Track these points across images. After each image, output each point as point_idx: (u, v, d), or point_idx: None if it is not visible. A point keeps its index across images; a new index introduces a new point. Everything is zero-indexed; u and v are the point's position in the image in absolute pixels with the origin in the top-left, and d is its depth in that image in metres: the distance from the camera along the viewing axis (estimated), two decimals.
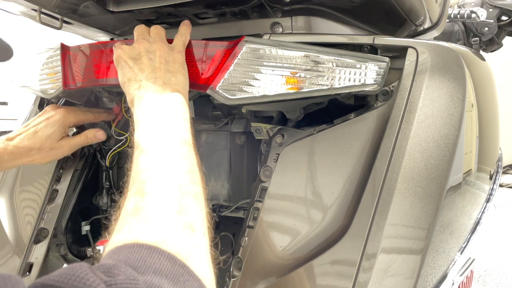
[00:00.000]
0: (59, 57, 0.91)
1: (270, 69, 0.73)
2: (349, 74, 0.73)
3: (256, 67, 0.73)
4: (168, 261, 0.39)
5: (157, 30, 0.77)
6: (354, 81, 0.73)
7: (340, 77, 0.73)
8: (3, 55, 0.66)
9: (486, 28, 1.90)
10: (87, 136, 0.94)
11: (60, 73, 0.90)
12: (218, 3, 0.81)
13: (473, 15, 1.80)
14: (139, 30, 0.77)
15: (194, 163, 0.57)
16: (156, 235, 0.43)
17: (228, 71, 0.73)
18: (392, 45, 0.76)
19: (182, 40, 0.77)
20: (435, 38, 1.24)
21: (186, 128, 0.63)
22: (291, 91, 0.73)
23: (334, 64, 0.73)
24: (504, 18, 1.92)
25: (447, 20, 1.87)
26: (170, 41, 0.78)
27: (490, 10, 1.89)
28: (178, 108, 0.65)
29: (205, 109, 0.99)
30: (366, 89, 0.73)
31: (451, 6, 2.02)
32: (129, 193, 0.50)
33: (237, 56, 0.73)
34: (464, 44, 1.95)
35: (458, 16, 1.81)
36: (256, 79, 0.73)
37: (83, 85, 0.88)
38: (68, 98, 1.02)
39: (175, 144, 0.58)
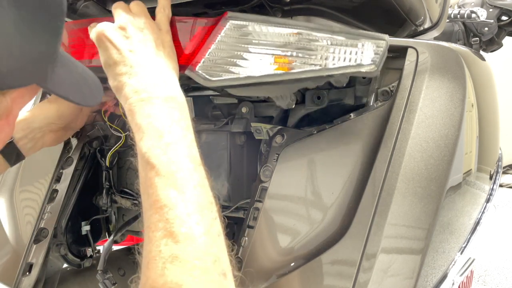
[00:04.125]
0: None
1: (256, 48, 0.67)
2: (344, 53, 0.68)
3: (241, 45, 0.67)
4: None
5: (140, 7, 0.68)
6: (350, 60, 0.68)
7: (334, 57, 0.68)
8: (91, 97, 0.57)
9: (486, 28, 1.91)
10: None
11: None
12: (218, 3, 0.81)
13: (473, 15, 1.80)
14: (121, 6, 0.68)
15: (209, 191, 0.56)
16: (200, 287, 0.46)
17: (209, 50, 0.66)
18: (392, 45, 0.76)
19: (166, 15, 0.69)
20: (435, 38, 1.24)
21: (194, 140, 0.59)
22: (280, 71, 0.67)
23: (328, 42, 0.68)
24: (504, 18, 1.92)
25: (447, 20, 1.87)
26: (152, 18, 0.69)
27: (490, 10, 1.90)
28: (182, 113, 0.60)
29: (205, 109, 0.99)
30: (363, 70, 0.68)
31: (451, 6, 2.02)
32: (158, 234, 0.50)
33: (219, 33, 0.66)
34: (464, 44, 1.95)
35: (458, 16, 1.81)
36: (242, 59, 0.67)
37: None
38: None
39: (190, 168, 0.55)
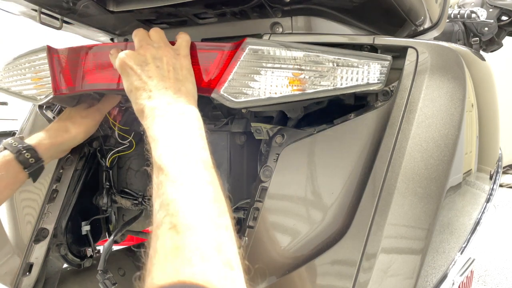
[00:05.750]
0: (44, 60, 0.87)
1: (273, 71, 0.72)
2: (352, 73, 0.72)
3: (258, 68, 0.72)
4: None
5: (159, 34, 0.75)
6: (357, 80, 0.73)
7: (343, 77, 0.72)
8: None
9: (486, 28, 1.90)
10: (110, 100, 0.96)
11: (47, 78, 0.87)
12: (218, 3, 0.81)
13: (473, 15, 1.80)
14: (140, 34, 0.74)
15: (219, 189, 0.57)
16: (202, 275, 0.44)
17: (231, 74, 0.72)
18: (392, 45, 0.76)
19: (186, 41, 0.75)
20: (435, 38, 1.24)
21: (205, 147, 0.62)
22: (296, 92, 0.72)
23: (337, 64, 0.72)
24: (504, 18, 1.92)
25: (447, 20, 1.87)
26: (171, 43, 0.76)
27: (490, 10, 1.89)
28: (194, 124, 0.64)
29: (205, 109, 0.99)
30: (371, 88, 0.73)
31: (451, 6, 2.02)
32: (163, 228, 0.50)
33: (240, 58, 0.72)
34: (464, 44, 1.95)
35: (458, 16, 1.81)
36: (260, 81, 0.72)
37: (76, 90, 0.85)
38: (58, 103, 0.99)
39: (199, 168, 0.57)
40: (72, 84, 0.85)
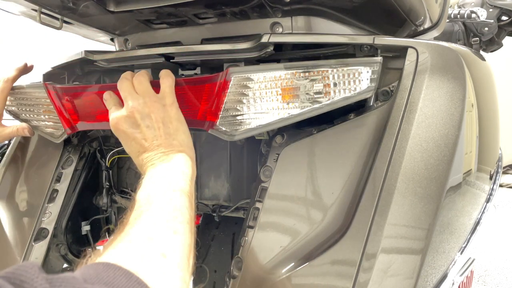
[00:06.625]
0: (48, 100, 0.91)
1: (262, 96, 0.73)
2: (343, 85, 0.72)
3: (246, 97, 0.73)
4: (124, 276, 0.42)
5: (143, 85, 0.74)
6: (349, 91, 0.72)
7: (335, 91, 0.72)
8: None
9: (486, 28, 1.90)
10: (17, 129, 1.01)
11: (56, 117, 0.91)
12: (218, 3, 0.81)
13: (473, 15, 1.80)
14: (124, 88, 0.74)
15: (183, 205, 0.61)
16: (117, 256, 0.47)
17: (223, 106, 0.73)
18: (392, 45, 0.76)
19: (168, 86, 0.74)
20: (435, 38, 1.24)
21: (184, 179, 0.66)
22: (286, 115, 0.73)
23: (327, 78, 0.72)
24: (504, 18, 1.92)
25: (447, 20, 1.87)
26: (155, 83, 0.75)
27: (490, 10, 1.89)
28: (178, 165, 0.68)
29: None
30: (362, 97, 0.73)
31: (451, 6, 2.02)
32: (123, 231, 0.55)
33: (227, 89, 0.72)
34: (464, 44, 1.95)
35: (458, 16, 1.81)
36: (250, 108, 0.73)
37: (87, 127, 0.89)
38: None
39: (168, 192, 0.62)
40: (77, 122, 0.89)
